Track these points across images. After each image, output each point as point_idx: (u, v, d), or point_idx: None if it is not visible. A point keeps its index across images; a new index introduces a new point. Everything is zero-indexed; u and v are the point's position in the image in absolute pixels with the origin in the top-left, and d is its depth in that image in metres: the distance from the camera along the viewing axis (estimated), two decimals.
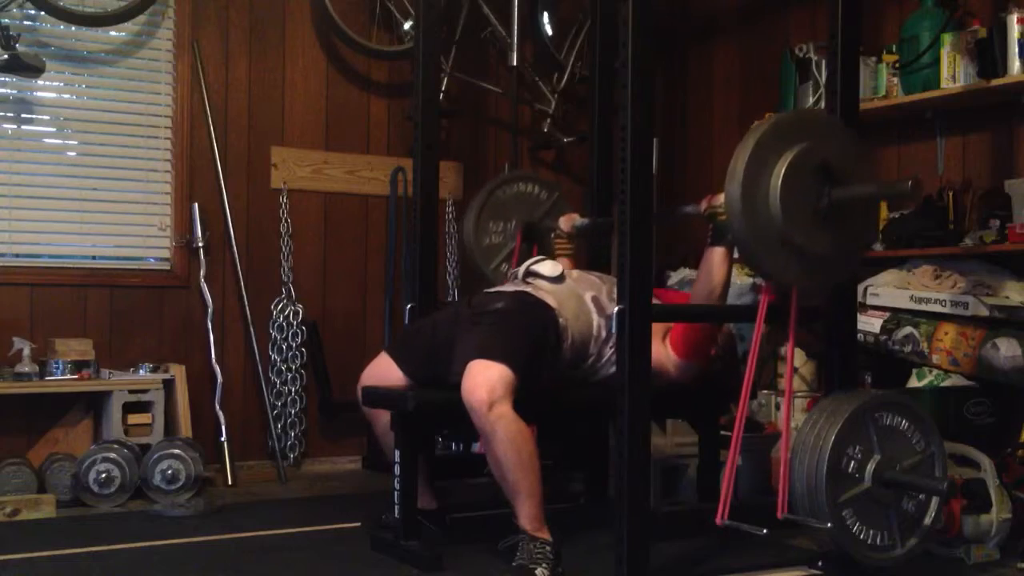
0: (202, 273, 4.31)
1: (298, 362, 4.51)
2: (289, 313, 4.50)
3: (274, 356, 4.48)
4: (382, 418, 3.15)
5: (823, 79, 3.88)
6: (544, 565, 2.72)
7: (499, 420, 2.71)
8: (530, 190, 3.89)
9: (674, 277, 4.48)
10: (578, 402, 3.16)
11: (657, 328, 2.86)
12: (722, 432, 3.33)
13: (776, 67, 4.34)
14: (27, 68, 3.89)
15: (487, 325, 2.95)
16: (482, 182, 4.08)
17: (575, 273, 3.25)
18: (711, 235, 3.05)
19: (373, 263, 4.74)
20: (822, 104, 3.59)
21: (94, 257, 4.28)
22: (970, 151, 3.86)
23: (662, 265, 4.55)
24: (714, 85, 5.03)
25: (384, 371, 3.17)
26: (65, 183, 4.20)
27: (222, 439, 4.22)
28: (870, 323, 3.69)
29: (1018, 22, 3.44)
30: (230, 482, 4.16)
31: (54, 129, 4.24)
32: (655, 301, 2.77)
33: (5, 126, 4.09)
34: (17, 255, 4.14)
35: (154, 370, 4.08)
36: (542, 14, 4.96)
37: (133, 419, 3.91)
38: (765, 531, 2.56)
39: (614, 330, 2.67)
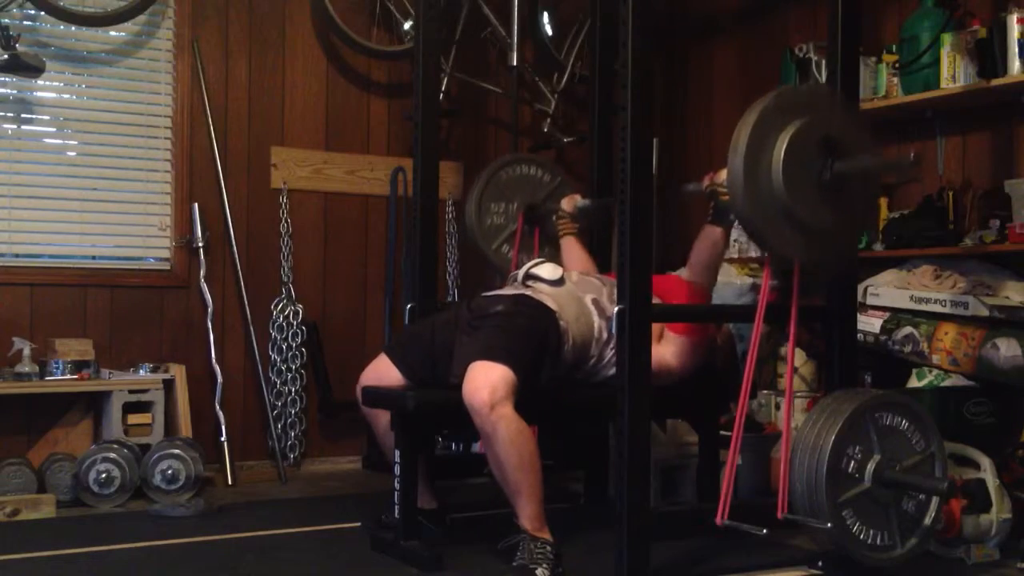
0: (202, 273, 4.31)
1: (298, 362, 4.51)
2: (289, 313, 4.50)
3: (274, 356, 4.48)
4: (382, 418, 3.15)
5: (823, 79, 3.88)
6: (545, 565, 2.71)
7: (500, 421, 2.71)
8: (533, 172, 3.90)
9: None
10: (578, 402, 3.16)
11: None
12: (722, 432, 3.33)
13: (776, 67, 4.34)
14: (27, 68, 3.89)
15: (489, 327, 2.95)
16: None
17: (575, 276, 3.25)
18: (712, 213, 3.03)
19: (373, 263, 4.74)
20: None
21: (94, 257, 4.28)
22: (970, 151, 3.86)
23: (662, 265, 4.54)
24: (714, 85, 5.03)
25: (383, 372, 3.16)
26: (65, 183, 4.20)
27: (222, 439, 4.22)
28: (870, 323, 3.69)
29: (1018, 22, 3.44)
30: (230, 482, 4.16)
31: (54, 129, 4.24)
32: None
33: (5, 126, 4.09)
34: (17, 255, 4.14)
35: (154, 370, 4.08)
36: (542, 14, 4.96)
37: (133, 419, 3.91)
38: (765, 531, 2.56)
39: (614, 331, 2.68)
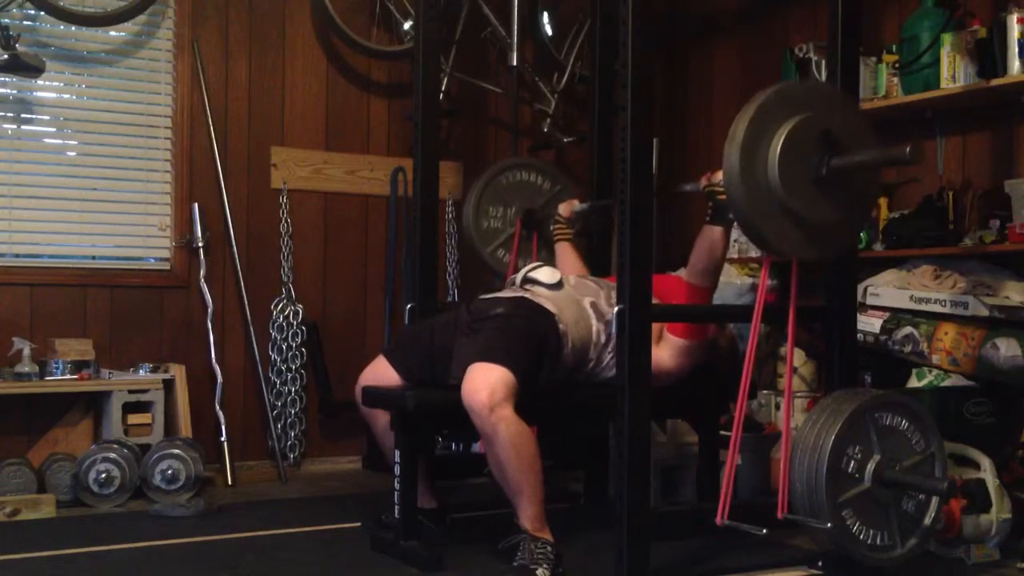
0: (202, 273, 4.31)
1: (298, 362, 4.51)
2: (289, 313, 4.50)
3: (274, 356, 4.48)
4: (380, 419, 3.15)
5: (823, 79, 3.88)
6: (545, 565, 2.72)
7: (500, 422, 2.71)
8: (533, 179, 3.92)
9: None
10: (578, 402, 3.16)
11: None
12: (722, 432, 3.33)
13: (776, 67, 4.34)
14: (27, 68, 3.89)
15: (488, 329, 2.95)
16: None
17: (572, 279, 3.24)
18: (710, 213, 3.02)
19: (373, 263, 4.74)
20: None
21: (94, 257, 4.28)
22: (970, 151, 3.86)
23: (662, 265, 4.55)
24: (714, 85, 5.03)
25: (381, 374, 3.16)
26: (65, 183, 4.20)
27: (222, 439, 4.22)
28: (870, 323, 3.69)
29: (1018, 22, 3.44)
30: (230, 482, 4.16)
31: (54, 129, 4.24)
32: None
33: (5, 126, 4.09)
34: (17, 255, 4.14)
35: (154, 370, 4.09)
36: (542, 14, 4.96)
37: (133, 419, 3.91)
38: (765, 531, 2.56)
39: (613, 334, 2.67)
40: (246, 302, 4.40)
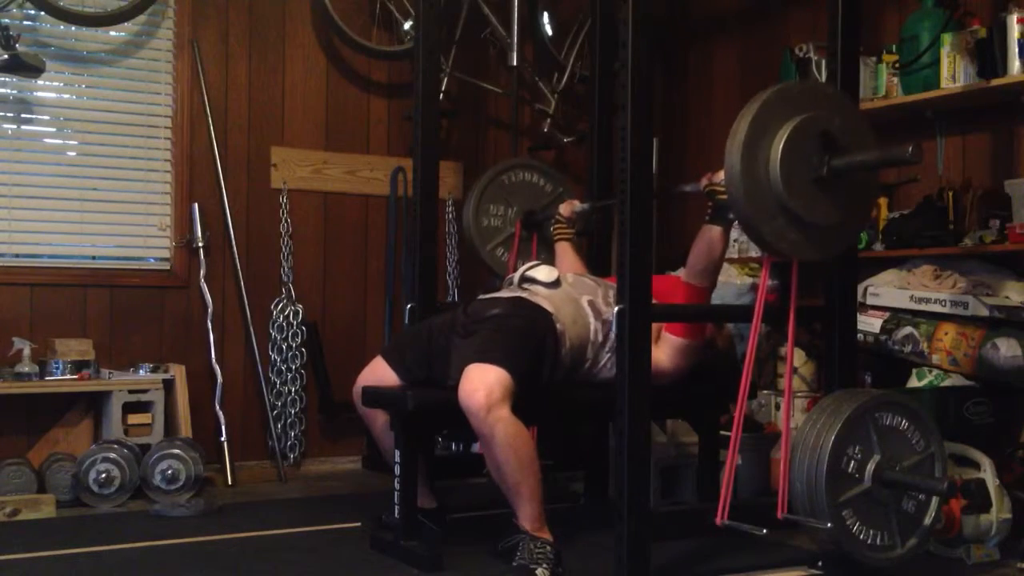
0: (202, 273, 4.31)
1: (298, 362, 4.51)
2: (289, 313, 4.50)
3: (274, 356, 4.48)
4: (380, 419, 3.15)
5: (823, 79, 3.88)
6: (544, 565, 2.71)
7: (497, 423, 2.71)
8: (535, 180, 3.92)
9: None
10: (578, 402, 3.16)
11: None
12: (722, 432, 3.33)
13: (776, 67, 4.34)
14: (27, 68, 3.89)
15: (485, 330, 2.95)
16: None
17: (571, 277, 3.24)
18: (710, 213, 3.01)
19: (373, 263, 4.74)
20: None
21: (94, 257, 4.28)
22: (970, 151, 3.86)
23: (662, 265, 4.55)
24: (714, 85, 5.03)
25: (380, 375, 3.16)
26: (65, 183, 4.20)
27: (222, 439, 4.22)
28: (870, 323, 3.69)
29: (1018, 22, 3.43)
30: (230, 482, 4.16)
31: (54, 129, 4.24)
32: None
33: (5, 126, 4.09)
34: (17, 255, 4.14)
35: (154, 370, 4.09)
36: (542, 14, 4.96)
37: (133, 419, 3.91)
38: (765, 531, 2.56)
39: (612, 333, 2.67)
40: (246, 302, 4.40)
